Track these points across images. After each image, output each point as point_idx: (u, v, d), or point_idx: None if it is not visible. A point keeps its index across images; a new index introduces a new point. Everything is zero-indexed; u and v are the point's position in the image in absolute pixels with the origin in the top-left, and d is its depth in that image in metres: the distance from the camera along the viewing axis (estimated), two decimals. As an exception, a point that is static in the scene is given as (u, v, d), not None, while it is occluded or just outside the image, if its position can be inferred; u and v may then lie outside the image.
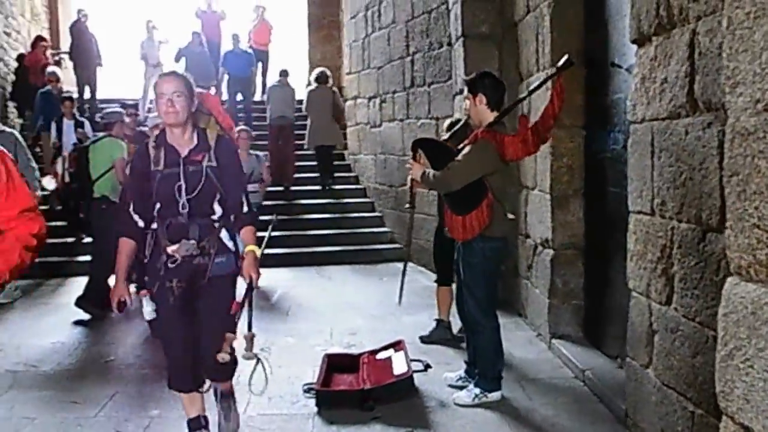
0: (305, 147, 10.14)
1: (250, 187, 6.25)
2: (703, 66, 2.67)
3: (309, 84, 10.63)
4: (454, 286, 4.82)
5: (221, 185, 3.10)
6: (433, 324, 5.23)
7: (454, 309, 4.71)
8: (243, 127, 7.33)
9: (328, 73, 10.09)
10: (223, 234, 3.16)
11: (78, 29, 11.97)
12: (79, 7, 12.51)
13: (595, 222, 4.70)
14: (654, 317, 3.14)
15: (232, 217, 3.18)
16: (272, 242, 8.47)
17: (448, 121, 5.12)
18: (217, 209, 3.13)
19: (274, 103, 10.16)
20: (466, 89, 4.03)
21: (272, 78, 11.83)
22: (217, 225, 3.14)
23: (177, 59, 11.62)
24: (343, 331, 5.52)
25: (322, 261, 8.30)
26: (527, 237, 5.47)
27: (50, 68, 10.20)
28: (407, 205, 4.64)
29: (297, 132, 10.42)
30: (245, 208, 3.15)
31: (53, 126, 8.58)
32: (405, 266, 4.88)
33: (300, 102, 10.60)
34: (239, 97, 12.02)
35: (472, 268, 3.93)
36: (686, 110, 2.82)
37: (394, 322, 5.71)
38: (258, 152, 7.47)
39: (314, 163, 10.24)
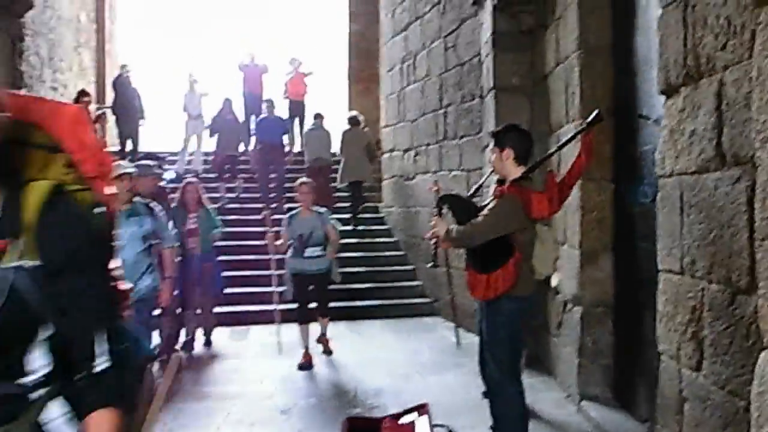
0: (338, 183, 10.52)
1: (308, 252, 6.13)
2: (731, 117, 2.53)
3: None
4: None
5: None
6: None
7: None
8: (305, 179, 6.59)
9: (360, 117, 10.66)
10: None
11: (121, 83, 12.26)
12: (123, 62, 12.88)
13: (626, 278, 4.50)
14: (684, 384, 2.92)
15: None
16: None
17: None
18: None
19: (311, 146, 10.66)
20: (492, 142, 3.92)
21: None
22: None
23: (211, 134, 11.58)
24: (367, 391, 5.33)
25: (354, 315, 8.15)
26: (557, 293, 5.27)
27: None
28: (430, 263, 4.50)
29: (333, 176, 10.71)
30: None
31: None
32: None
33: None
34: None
35: (494, 329, 3.74)
36: (715, 164, 2.67)
37: (421, 382, 5.52)
38: (321, 208, 6.48)
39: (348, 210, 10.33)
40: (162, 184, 7.24)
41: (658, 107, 3.64)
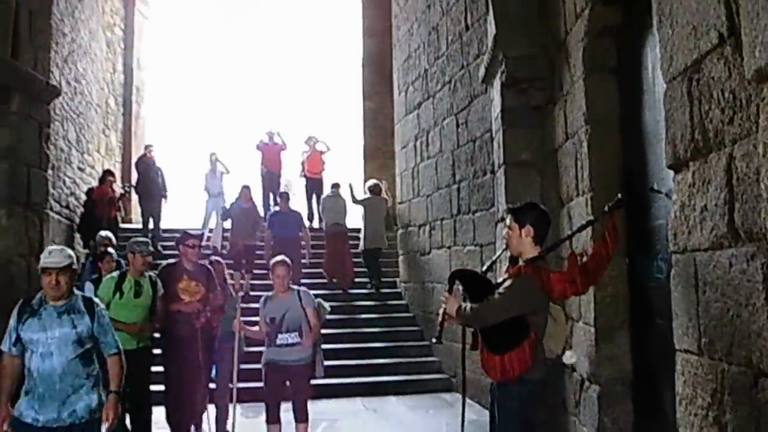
0: (360, 249, 10.93)
1: (280, 338, 5.23)
2: (742, 193, 2.42)
3: (365, 193, 11.34)
4: None
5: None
6: None
7: None
8: (279, 258, 5.64)
9: (382, 184, 11.09)
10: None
11: (144, 164, 12.44)
12: (148, 143, 13.15)
13: (645, 355, 4.30)
14: (709, 474, 2.70)
15: None
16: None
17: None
18: None
19: (328, 213, 11.17)
20: (508, 218, 3.77)
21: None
22: None
23: (224, 218, 11.31)
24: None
25: (371, 391, 7.94)
26: (573, 371, 5.05)
27: (103, 233, 8.58)
28: (434, 340, 4.33)
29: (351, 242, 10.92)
30: None
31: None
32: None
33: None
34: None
35: (508, 414, 3.53)
36: (728, 240, 2.54)
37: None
38: (302, 288, 5.74)
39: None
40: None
41: (669, 180, 3.54)
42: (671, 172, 3.22)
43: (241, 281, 9.67)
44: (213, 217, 12.72)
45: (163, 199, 12.42)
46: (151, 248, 5.88)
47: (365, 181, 13.76)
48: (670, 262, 3.18)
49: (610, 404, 4.43)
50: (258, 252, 10.52)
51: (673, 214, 3.06)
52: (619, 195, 3.55)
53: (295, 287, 5.58)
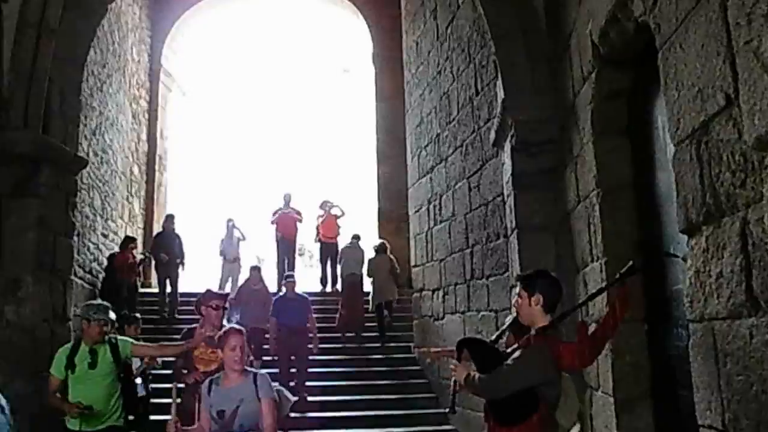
0: (370, 306, 11.26)
1: None
2: (759, 258, 2.26)
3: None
4: None
5: None
6: None
7: None
8: (234, 326, 4.40)
9: (386, 244, 11.69)
10: None
11: (164, 235, 12.56)
12: (169, 212, 13.31)
13: (669, 429, 4.02)
14: None
15: None
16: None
17: (509, 317, 4.70)
18: None
19: (346, 262, 11.65)
20: (518, 285, 3.65)
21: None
22: None
23: (235, 303, 10.42)
24: None
25: None
26: (593, 444, 4.77)
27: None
28: (447, 410, 4.12)
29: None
30: None
31: None
32: None
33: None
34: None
35: None
36: (747, 309, 2.36)
37: None
38: (261, 371, 4.44)
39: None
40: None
41: (684, 244, 3.38)
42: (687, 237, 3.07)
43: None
44: (229, 283, 12.65)
45: (181, 266, 12.40)
46: (111, 316, 5.03)
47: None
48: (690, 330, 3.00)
49: (634, 481, 4.14)
50: (268, 336, 9.52)
51: (689, 281, 2.89)
52: (631, 262, 3.39)
53: (252, 369, 4.30)
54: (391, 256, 11.53)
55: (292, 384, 8.63)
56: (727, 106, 2.46)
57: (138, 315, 8.32)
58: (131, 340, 5.32)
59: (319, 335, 9.72)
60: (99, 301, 5.27)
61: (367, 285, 11.60)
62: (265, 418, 3.98)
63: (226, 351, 4.08)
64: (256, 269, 10.43)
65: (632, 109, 4.56)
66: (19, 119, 6.41)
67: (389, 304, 11.20)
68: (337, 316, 11.18)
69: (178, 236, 12.54)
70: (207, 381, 4.20)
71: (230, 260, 12.71)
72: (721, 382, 2.59)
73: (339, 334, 11.00)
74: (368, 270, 11.36)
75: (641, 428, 4.18)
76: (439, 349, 4.01)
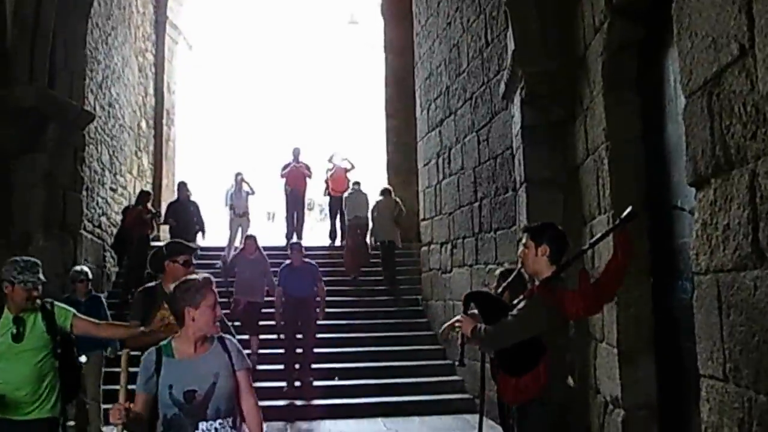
0: (372, 241, 11.88)
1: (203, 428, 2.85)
2: (766, 211, 2.26)
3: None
4: None
5: None
6: None
7: None
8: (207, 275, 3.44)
9: (390, 187, 12.26)
10: None
11: (177, 206, 11.83)
12: (181, 181, 12.47)
13: (671, 379, 4.09)
14: None
15: None
16: (341, 392, 8.24)
17: (498, 270, 4.75)
18: None
19: (351, 206, 12.09)
20: (525, 236, 3.64)
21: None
22: None
23: (225, 273, 10.27)
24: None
25: (392, 412, 7.75)
26: (597, 392, 4.85)
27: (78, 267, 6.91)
28: (456, 363, 4.19)
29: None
30: None
31: None
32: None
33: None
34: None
35: None
36: (752, 261, 2.37)
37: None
38: (228, 336, 3.25)
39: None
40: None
41: (692, 197, 3.37)
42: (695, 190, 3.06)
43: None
44: (238, 236, 12.66)
45: (200, 234, 11.73)
46: (41, 277, 4.01)
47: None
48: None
49: (635, 429, 4.22)
50: (265, 311, 9.01)
51: (695, 234, 2.89)
52: (630, 207, 3.40)
53: (228, 339, 3.15)
54: (396, 199, 11.86)
55: (297, 366, 8.30)
56: (741, 56, 2.42)
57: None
58: (73, 310, 4.17)
59: (327, 288, 9.79)
60: (26, 257, 4.10)
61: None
62: (245, 398, 3.03)
63: (202, 308, 2.94)
64: (251, 238, 9.50)
65: (643, 62, 4.50)
66: (24, 74, 6.38)
67: (391, 244, 11.42)
68: (344, 257, 11.83)
69: (193, 204, 11.89)
70: (149, 352, 3.03)
71: (239, 214, 12.67)
72: (723, 333, 2.61)
73: (350, 277, 11.54)
74: (373, 211, 11.78)
75: (643, 379, 4.25)
76: (452, 320, 4.01)
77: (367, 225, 11.88)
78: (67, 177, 6.91)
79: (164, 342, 3.07)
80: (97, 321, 4.57)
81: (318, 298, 8.53)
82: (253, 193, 13.27)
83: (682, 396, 3.82)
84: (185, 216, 11.45)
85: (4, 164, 6.37)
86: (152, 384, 2.94)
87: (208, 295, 2.99)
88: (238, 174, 13.18)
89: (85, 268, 6.73)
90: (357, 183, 12.59)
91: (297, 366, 8.32)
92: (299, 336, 8.41)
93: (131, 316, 4.40)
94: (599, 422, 4.80)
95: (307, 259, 8.74)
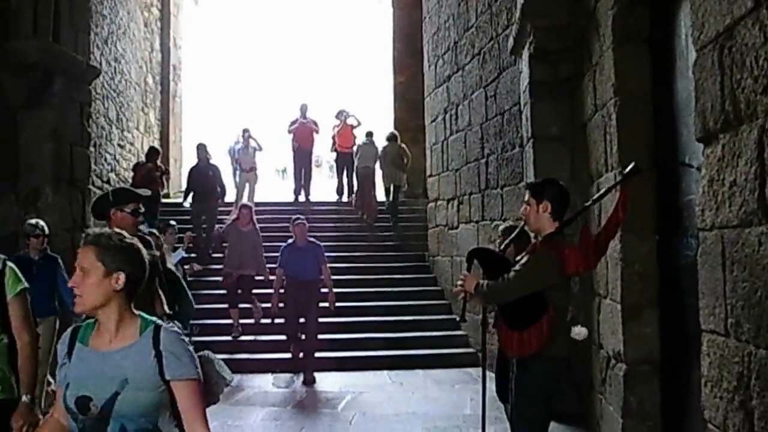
0: (383, 184, 12.43)
1: None
2: (774, 167, 2.23)
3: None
4: None
5: None
6: None
7: None
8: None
9: (396, 133, 12.60)
10: None
11: (198, 163, 11.30)
12: (200, 143, 11.61)
13: (673, 335, 4.11)
14: (735, 459, 2.55)
15: None
16: (348, 345, 8.36)
17: (502, 226, 4.75)
18: None
19: (361, 157, 12.53)
20: (526, 193, 3.66)
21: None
22: None
23: (216, 241, 9.73)
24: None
25: (397, 365, 7.87)
26: (600, 347, 4.89)
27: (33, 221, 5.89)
28: (458, 319, 4.22)
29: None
30: None
31: None
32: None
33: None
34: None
35: (527, 391, 3.43)
36: (758, 217, 2.36)
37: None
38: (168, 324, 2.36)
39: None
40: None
41: (699, 154, 3.34)
42: (703, 146, 3.03)
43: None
44: (246, 191, 12.70)
45: (220, 200, 11.11)
46: None
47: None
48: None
49: (637, 384, 4.26)
50: (258, 279, 8.54)
51: (702, 190, 2.87)
52: (634, 163, 3.38)
53: (151, 318, 2.20)
54: (401, 144, 12.28)
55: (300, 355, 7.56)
56: (754, 8, 2.36)
57: (173, 222, 8.32)
58: (26, 286, 3.26)
59: (333, 243, 9.82)
60: None
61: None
62: (189, 424, 2.10)
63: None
64: (246, 208, 8.90)
65: (654, 16, 4.40)
66: (28, 28, 6.32)
67: (397, 189, 12.12)
68: (354, 202, 12.55)
69: (213, 168, 11.23)
70: (66, 332, 2.23)
71: (246, 170, 12.71)
72: (726, 289, 2.62)
73: (362, 221, 12.10)
74: (381, 157, 12.34)
75: (646, 334, 4.27)
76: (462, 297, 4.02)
77: (374, 175, 12.54)
78: (74, 132, 6.90)
79: (87, 321, 2.23)
80: (27, 326, 3.21)
81: (325, 289, 7.67)
82: (261, 149, 13.25)
83: (684, 352, 3.85)
84: (205, 181, 10.81)
85: (11, 120, 6.36)
86: (62, 377, 2.15)
87: (83, 257, 2.13)
88: (245, 130, 13.15)
89: (42, 222, 5.66)
90: (370, 134, 12.94)
91: (300, 354, 7.56)
92: (302, 320, 7.56)
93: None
94: (601, 377, 4.86)
95: (311, 238, 7.86)
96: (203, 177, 10.90)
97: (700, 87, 2.86)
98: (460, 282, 3.75)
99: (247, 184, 12.64)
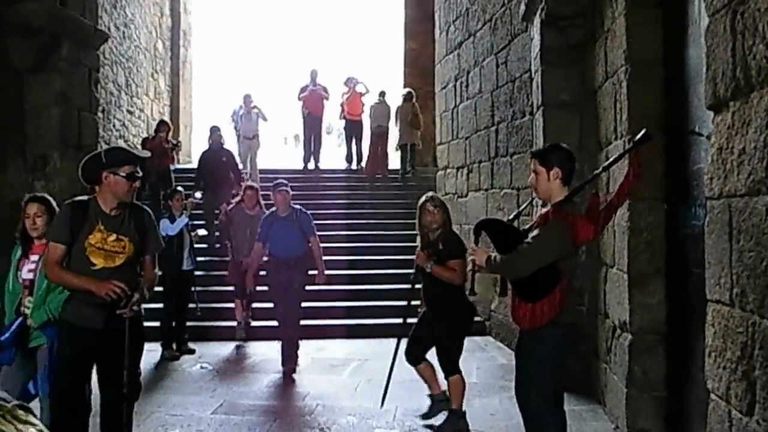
0: (396, 144, 13.19)
1: None
2: (783, 135, 2.19)
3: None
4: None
5: None
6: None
7: None
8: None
9: (413, 93, 12.90)
10: None
11: (210, 147, 10.40)
12: (213, 125, 10.83)
13: (679, 305, 4.09)
14: (734, 428, 2.55)
15: None
16: (357, 313, 8.41)
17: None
18: None
19: (374, 116, 13.09)
20: (534, 162, 3.53)
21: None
22: None
23: (220, 226, 8.76)
24: (407, 412, 5.11)
25: (405, 333, 7.87)
26: (606, 317, 4.89)
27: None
28: (467, 292, 4.21)
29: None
30: None
31: None
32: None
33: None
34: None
35: (539, 359, 3.40)
36: (766, 186, 2.32)
37: (463, 404, 5.21)
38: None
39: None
40: None
41: (710, 123, 3.28)
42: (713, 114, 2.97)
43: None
44: (248, 160, 12.45)
45: (235, 188, 9.74)
46: None
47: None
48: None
49: (641, 353, 4.26)
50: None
51: (710, 158, 2.83)
52: (645, 130, 3.32)
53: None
54: (414, 103, 12.80)
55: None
56: (767, -29, 2.29)
57: (180, 188, 7.66)
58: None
59: (346, 211, 9.67)
60: None
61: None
62: None
63: None
64: (252, 189, 7.93)
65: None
66: (33, -10, 6.25)
67: (413, 147, 12.79)
68: (364, 164, 13.03)
69: (227, 153, 10.38)
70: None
71: (248, 137, 12.44)
72: (732, 258, 2.59)
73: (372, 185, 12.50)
74: (396, 116, 12.96)
75: (653, 304, 4.26)
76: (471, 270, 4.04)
77: (387, 133, 13.08)
78: (82, 97, 6.86)
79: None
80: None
81: (314, 271, 6.54)
82: (266, 120, 13.01)
83: (690, 323, 3.83)
84: (217, 168, 9.89)
85: (18, 84, 6.34)
86: None
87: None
88: (247, 96, 12.95)
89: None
90: (382, 93, 13.36)
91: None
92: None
93: (51, 235, 3.59)
94: (606, 346, 4.86)
95: (297, 205, 6.66)
96: (216, 163, 9.94)
97: (712, 53, 2.79)
98: (470, 257, 3.70)
99: (249, 153, 12.41)
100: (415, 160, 12.84)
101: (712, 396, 2.78)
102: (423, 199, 4.90)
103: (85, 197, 3.64)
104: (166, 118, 13.11)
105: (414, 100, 12.75)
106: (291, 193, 6.60)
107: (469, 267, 4.16)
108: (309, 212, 6.75)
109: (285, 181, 6.72)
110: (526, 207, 4.10)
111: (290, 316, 6.40)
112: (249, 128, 12.58)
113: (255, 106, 12.82)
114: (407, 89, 13.20)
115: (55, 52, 6.48)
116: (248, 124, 12.60)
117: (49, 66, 6.41)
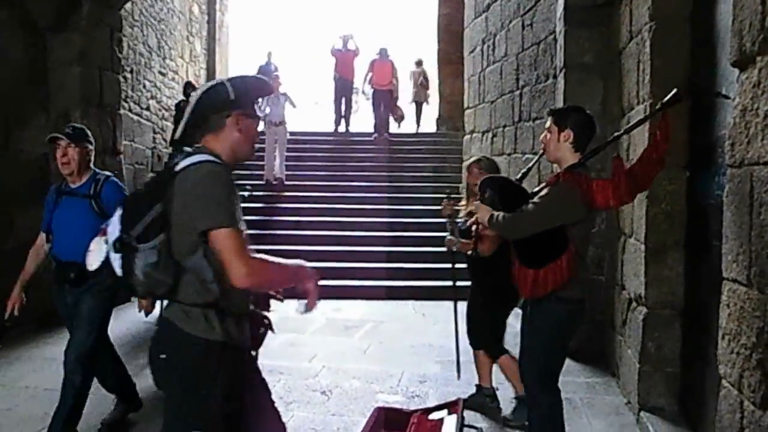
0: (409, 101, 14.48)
1: None
2: (815, 92, 1.82)
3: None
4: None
5: None
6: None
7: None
8: None
9: (421, 59, 14.54)
10: None
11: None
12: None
13: (698, 279, 3.73)
14: (746, 420, 2.24)
15: None
16: (374, 274, 8.19)
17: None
18: None
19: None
20: (549, 120, 3.19)
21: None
22: None
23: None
24: (413, 377, 4.88)
25: (425, 296, 7.66)
26: (623, 288, 4.54)
27: None
28: (469, 252, 3.92)
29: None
30: None
31: None
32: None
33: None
34: None
35: (538, 332, 3.11)
36: (792, 152, 1.96)
37: (470, 372, 4.95)
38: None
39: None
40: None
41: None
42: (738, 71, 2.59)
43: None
44: (276, 151, 10.93)
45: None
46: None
47: (439, 85, 14.17)
48: (730, 178, 2.60)
49: (656, 328, 3.92)
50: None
51: (733, 121, 2.46)
52: (676, 89, 2.93)
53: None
54: (425, 68, 14.45)
55: None
56: None
57: None
58: None
59: (371, 173, 9.33)
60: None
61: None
62: None
63: None
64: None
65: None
66: (54, -51, 6.06)
67: (421, 104, 14.53)
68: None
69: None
70: None
71: (275, 123, 10.81)
72: (752, 233, 2.25)
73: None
74: (411, 76, 14.35)
75: (671, 278, 3.90)
76: (473, 228, 3.72)
77: (391, 93, 13.21)
78: (103, 57, 6.69)
79: None
80: None
81: None
82: (294, 106, 11.61)
83: (710, 299, 3.47)
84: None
85: (41, 42, 6.17)
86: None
87: None
88: (275, 75, 12.18)
89: None
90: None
91: None
92: None
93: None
94: (622, 318, 4.53)
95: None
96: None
97: (738, 3, 2.41)
98: (472, 210, 3.41)
99: (276, 141, 10.87)
100: (421, 112, 14.61)
101: (724, 382, 2.46)
102: (471, 160, 4.49)
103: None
104: (202, 81, 12.92)
105: (423, 65, 14.59)
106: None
107: (471, 221, 3.88)
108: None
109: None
110: (534, 164, 3.72)
111: None
112: (276, 113, 11.02)
113: (285, 94, 11.32)
114: (419, 57, 14.92)
115: (76, 11, 6.29)
116: (276, 108, 11.01)
117: (69, 24, 6.23)
